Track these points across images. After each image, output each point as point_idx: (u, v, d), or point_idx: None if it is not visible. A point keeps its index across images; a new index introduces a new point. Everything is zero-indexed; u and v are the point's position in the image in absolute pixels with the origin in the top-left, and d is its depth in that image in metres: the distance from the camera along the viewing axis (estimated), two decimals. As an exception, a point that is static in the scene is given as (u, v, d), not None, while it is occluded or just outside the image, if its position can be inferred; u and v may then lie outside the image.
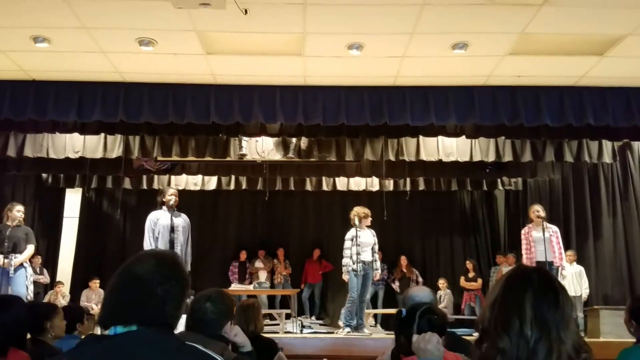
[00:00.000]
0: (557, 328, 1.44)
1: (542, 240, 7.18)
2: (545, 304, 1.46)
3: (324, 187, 10.92)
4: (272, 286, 11.10)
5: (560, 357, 1.43)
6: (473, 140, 8.39)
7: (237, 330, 3.03)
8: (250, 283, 10.81)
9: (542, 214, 7.36)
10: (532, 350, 1.43)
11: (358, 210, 7.37)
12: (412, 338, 2.20)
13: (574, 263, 8.99)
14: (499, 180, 10.96)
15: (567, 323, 1.46)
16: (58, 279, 10.52)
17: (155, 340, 1.46)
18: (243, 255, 11.26)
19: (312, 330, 9.06)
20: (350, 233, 7.29)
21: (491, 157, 8.62)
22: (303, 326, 8.94)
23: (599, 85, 6.72)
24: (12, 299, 3.29)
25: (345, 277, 7.29)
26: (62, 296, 9.85)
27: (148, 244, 6.54)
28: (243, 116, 6.71)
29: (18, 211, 6.85)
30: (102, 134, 8.24)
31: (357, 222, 7.25)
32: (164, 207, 6.69)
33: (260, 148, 8.94)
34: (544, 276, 1.53)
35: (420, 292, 3.09)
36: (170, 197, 6.71)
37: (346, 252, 7.25)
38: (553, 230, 7.34)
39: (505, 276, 1.57)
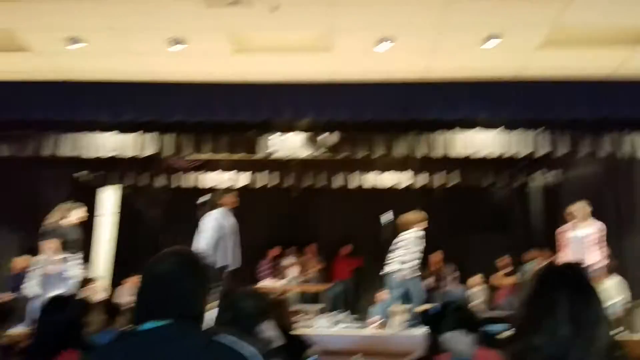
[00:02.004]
0: (591, 326, 1.41)
1: (576, 241, 6.96)
2: (579, 302, 1.44)
3: (353, 184, 10.89)
4: (303, 282, 11.12)
5: (594, 355, 1.40)
6: (506, 134, 8.24)
7: (269, 326, 3.04)
8: (281, 280, 10.85)
9: (576, 213, 7.07)
10: (566, 348, 1.40)
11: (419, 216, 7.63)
12: (443, 336, 2.18)
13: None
14: (532, 175, 10.77)
15: (601, 321, 1.43)
16: (93, 275, 10.73)
17: (184, 335, 1.49)
18: (273, 252, 11.32)
19: (345, 326, 9.05)
20: (417, 234, 7.45)
21: (524, 152, 8.46)
22: (335, 322, 8.94)
23: (635, 76, 6.54)
24: (66, 299, 3.28)
25: (404, 275, 7.26)
26: (97, 292, 10.05)
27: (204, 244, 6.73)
28: (271, 113, 6.73)
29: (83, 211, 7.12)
30: (135, 133, 8.37)
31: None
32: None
33: (289, 145, 8.95)
34: (577, 274, 1.50)
35: (456, 289, 3.06)
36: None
37: (416, 252, 7.39)
38: (588, 232, 6.96)
39: (538, 274, 1.54)
